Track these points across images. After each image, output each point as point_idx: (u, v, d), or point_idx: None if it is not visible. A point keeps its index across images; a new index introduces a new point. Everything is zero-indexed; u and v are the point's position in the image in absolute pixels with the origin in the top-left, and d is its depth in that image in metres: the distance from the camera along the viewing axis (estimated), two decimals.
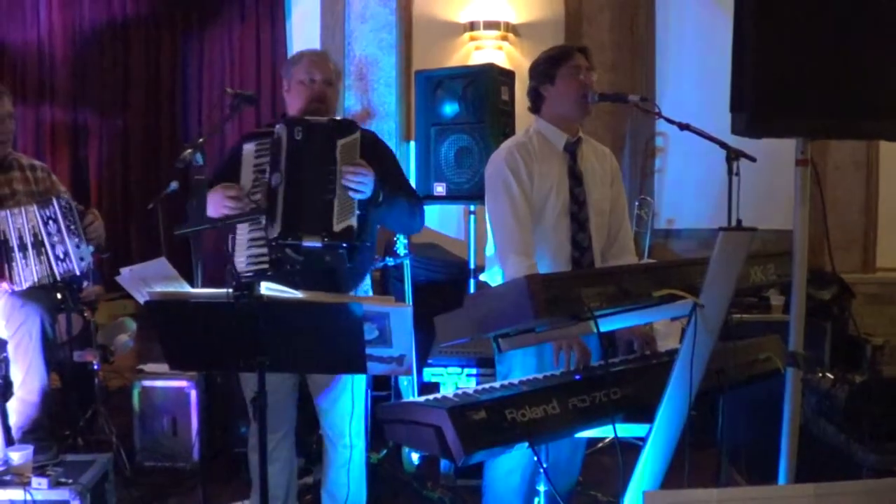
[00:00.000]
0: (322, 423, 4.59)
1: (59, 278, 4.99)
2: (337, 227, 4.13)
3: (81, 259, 4.97)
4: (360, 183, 4.16)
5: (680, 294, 3.09)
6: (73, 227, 4.93)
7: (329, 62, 4.56)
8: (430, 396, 3.25)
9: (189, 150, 3.83)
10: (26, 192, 5.22)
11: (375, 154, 4.42)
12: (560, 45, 4.96)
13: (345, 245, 4.17)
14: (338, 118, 4.46)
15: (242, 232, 4.24)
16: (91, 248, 5.02)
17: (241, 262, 4.21)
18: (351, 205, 4.17)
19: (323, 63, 4.51)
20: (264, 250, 4.19)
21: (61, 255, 4.91)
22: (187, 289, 3.45)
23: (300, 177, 4.18)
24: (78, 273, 5.01)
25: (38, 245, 4.90)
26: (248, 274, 4.16)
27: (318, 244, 4.11)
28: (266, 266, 4.16)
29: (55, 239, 4.90)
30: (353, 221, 4.17)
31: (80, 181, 7.93)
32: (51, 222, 4.89)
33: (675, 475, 3.34)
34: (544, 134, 4.43)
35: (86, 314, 6.14)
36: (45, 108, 8.11)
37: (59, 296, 5.38)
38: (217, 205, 4.17)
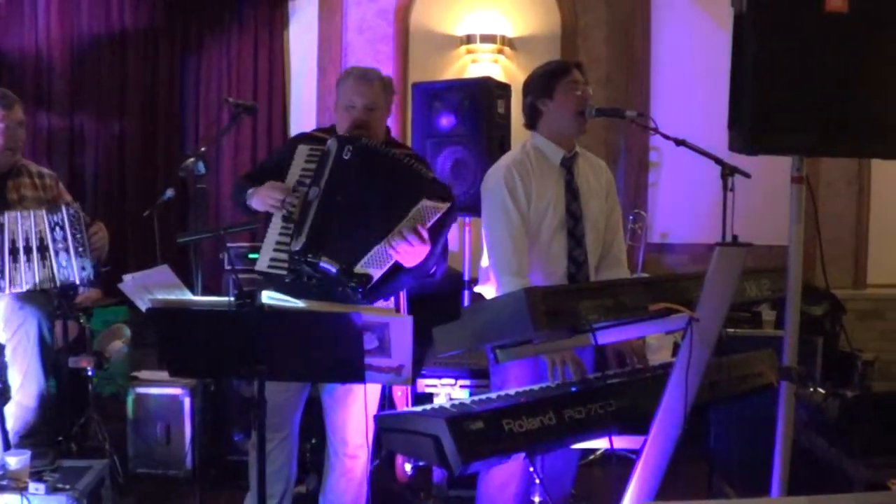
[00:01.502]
0: (327, 427, 4.59)
1: (57, 285, 4.98)
2: (357, 268, 4.06)
3: (83, 269, 4.95)
4: (408, 254, 4.08)
5: (676, 308, 3.11)
6: (78, 236, 4.92)
7: (373, 84, 4.44)
8: (428, 406, 3.28)
9: (191, 159, 3.85)
10: (35, 198, 5.22)
11: (445, 226, 4.34)
12: (555, 60, 4.97)
13: (357, 288, 4.07)
14: (438, 181, 4.38)
15: (273, 232, 4.21)
16: (93, 261, 5.01)
17: (264, 261, 4.19)
18: (386, 260, 4.09)
19: (365, 86, 4.41)
20: (286, 256, 4.15)
21: (63, 263, 4.91)
22: (189, 296, 3.47)
23: (341, 196, 4.14)
24: (77, 282, 4.98)
25: (43, 249, 4.90)
26: (267, 273, 4.17)
27: (332, 270, 4.06)
28: (284, 273, 4.14)
29: (60, 246, 4.90)
30: (376, 274, 4.09)
31: (77, 188, 7.93)
32: (58, 229, 4.89)
33: (666, 487, 3.36)
34: (541, 149, 4.44)
35: (81, 320, 6.15)
36: (43, 115, 8.12)
37: (54, 302, 5.40)
38: (265, 198, 4.19)
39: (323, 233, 4.09)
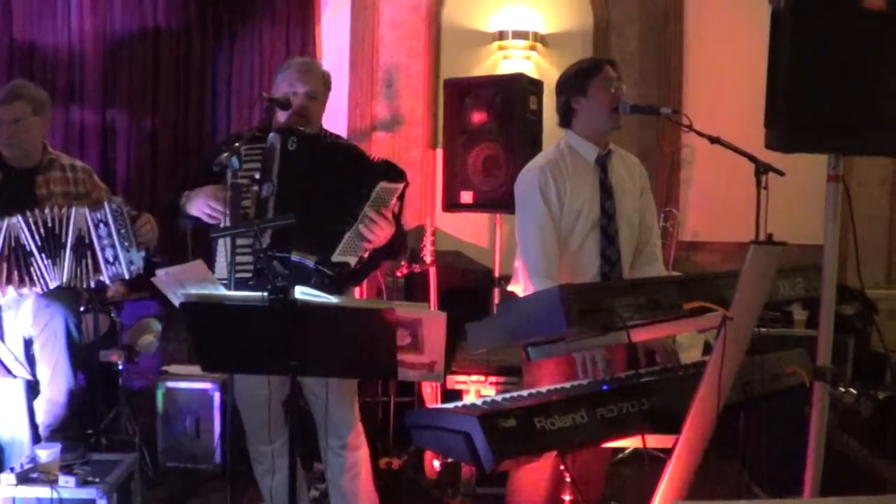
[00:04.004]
0: (318, 427, 4.55)
1: (108, 282, 4.97)
2: (335, 258, 4.08)
3: (131, 263, 4.92)
4: (376, 235, 4.12)
5: (711, 307, 3.10)
6: (123, 230, 4.88)
7: (315, 73, 4.46)
8: (459, 403, 3.27)
9: (225, 154, 3.84)
10: (63, 192, 5.22)
11: (402, 204, 4.35)
12: (589, 57, 4.97)
13: (334, 276, 4.10)
14: (390, 162, 4.34)
15: (225, 240, 4.09)
16: (142, 254, 4.98)
17: (221, 268, 4.12)
18: (359, 246, 4.13)
19: (308, 75, 4.41)
20: (248, 258, 4.08)
21: (111, 259, 4.88)
22: (223, 291, 3.47)
23: (295, 188, 4.13)
24: (127, 277, 4.94)
25: (82, 247, 4.89)
26: (226, 281, 3.99)
27: (309, 263, 4.08)
28: (248, 275, 4.06)
29: (105, 242, 4.87)
30: (352, 261, 4.13)
31: (109, 182, 7.93)
32: (102, 225, 4.86)
33: (696, 487, 3.35)
34: (575, 148, 4.43)
35: (112, 314, 6.17)
36: (75, 109, 8.15)
37: (85, 296, 5.41)
38: (201, 204, 4.15)
39: (288, 227, 4.01)
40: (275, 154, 4.16)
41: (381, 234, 4.13)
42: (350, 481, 4.53)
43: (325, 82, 4.51)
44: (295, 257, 4.06)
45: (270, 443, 4.42)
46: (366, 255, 4.19)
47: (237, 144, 3.92)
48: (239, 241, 4.06)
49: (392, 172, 4.22)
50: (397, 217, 4.27)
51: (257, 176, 4.13)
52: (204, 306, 3.37)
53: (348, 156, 4.27)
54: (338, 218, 4.11)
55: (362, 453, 4.59)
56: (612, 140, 4.54)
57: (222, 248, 4.14)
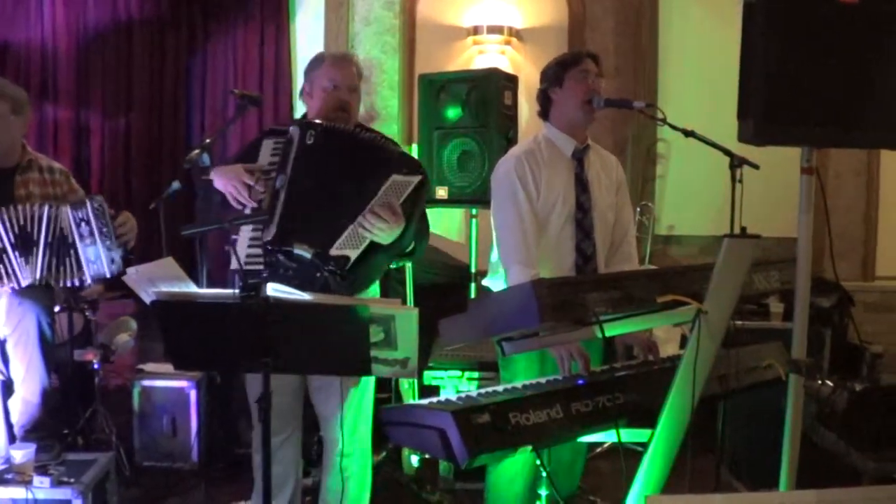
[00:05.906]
0: (320, 426, 4.52)
1: (90, 280, 4.94)
2: (333, 251, 3.91)
3: (112, 262, 4.88)
4: (380, 230, 3.90)
5: (684, 300, 3.10)
6: (105, 229, 4.85)
7: (353, 65, 4.37)
8: (434, 399, 3.27)
9: (196, 151, 3.83)
10: (42, 194, 5.16)
11: (420, 199, 4.18)
12: (572, 50, 4.96)
13: (335, 271, 3.93)
14: (406, 155, 4.31)
15: (246, 229, 4.06)
16: (122, 252, 4.95)
17: (241, 258, 4.00)
18: (361, 240, 3.93)
19: (346, 67, 4.33)
20: (260, 251, 4.01)
21: (92, 258, 4.85)
22: (193, 289, 3.45)
23: (308, 181, 4.02)
24: (108, 276, 4.90)
25: (66, 247, 4.85)
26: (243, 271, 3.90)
27: (306, 254, 3.93)
28: (261, 267, 3.97)
29: (87, 241, 4.84)
30: (353, 254, 3.92)
31: (82, 180, 7.89)
32: (83, 224, 4.84)
33: (673, 480, 3.35)
34: (553, 140, 4.43)
35: (87, 313, 6.14)
36: (48, 106, 8.11)
37: (62, 296, 5.38)
38: (226, 181, 4.02)
39: (294, 220, 3.97)
40: (292, 147, 4.07)
41: (384, 227, 3.91)
42: (340, 482, 4.40)
43: (359, 73, 4.43)
44: (297, 249, 3.94)
45: (277, 433, 4.33)
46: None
47: (207, 141, 3.91)
48: (254, 234, 4.03)
49: (406, 165, 4.09)
50: (413, 213, 4.10)
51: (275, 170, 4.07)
52: (174, 304, 3.35)
53: (367, 148, 4.14)
54: (345, 211, 3.96)
55: (356, 461, 4.48)
56: (587, 135, 4.54)
57: (244, 241, 4.06)
